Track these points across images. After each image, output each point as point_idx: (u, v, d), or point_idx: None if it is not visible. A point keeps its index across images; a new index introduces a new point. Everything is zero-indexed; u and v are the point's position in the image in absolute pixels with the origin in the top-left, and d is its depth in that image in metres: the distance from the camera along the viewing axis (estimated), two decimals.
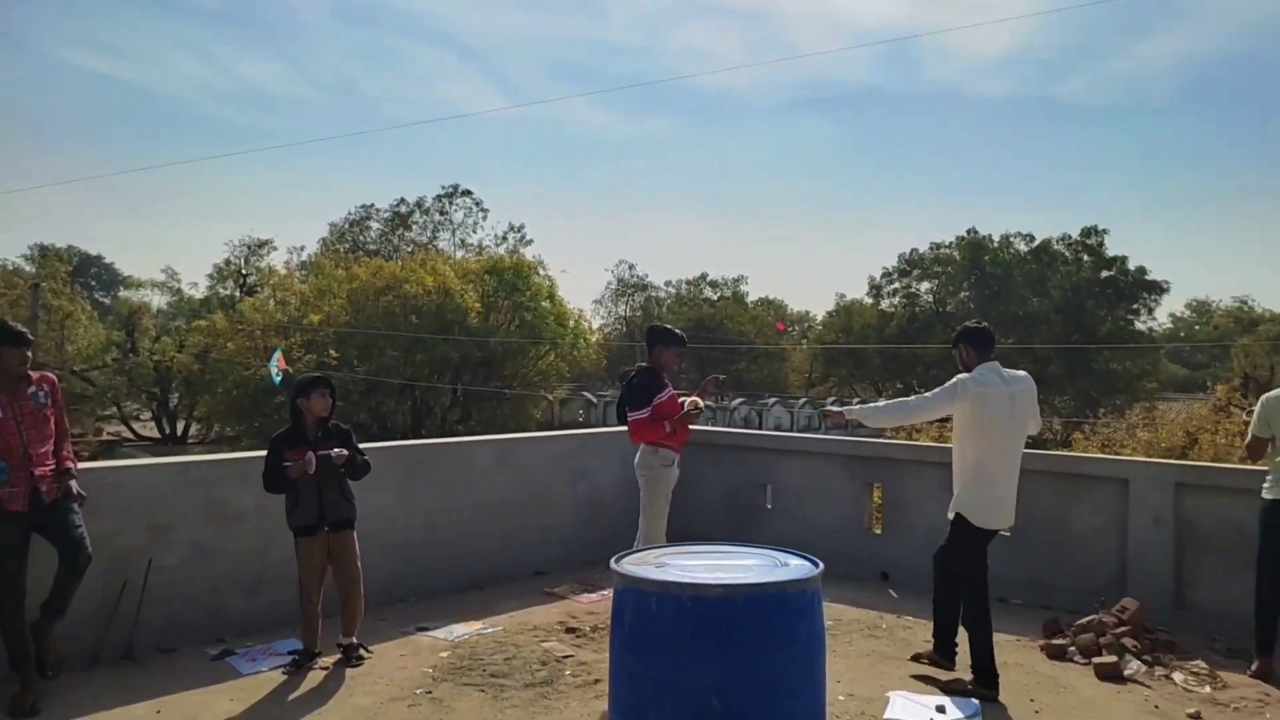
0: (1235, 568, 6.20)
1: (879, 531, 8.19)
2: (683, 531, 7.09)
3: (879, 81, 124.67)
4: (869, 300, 60.63)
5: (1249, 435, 5.82)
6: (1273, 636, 5.61)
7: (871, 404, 5.79)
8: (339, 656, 5.67)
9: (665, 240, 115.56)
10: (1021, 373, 5.42)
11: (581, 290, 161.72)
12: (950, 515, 5.40)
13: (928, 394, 5.45)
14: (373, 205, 61.14)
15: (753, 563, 3.73)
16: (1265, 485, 5.68)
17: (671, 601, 3.33)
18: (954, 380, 5.27)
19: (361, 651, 5.75)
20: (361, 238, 59.88)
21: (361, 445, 6.00)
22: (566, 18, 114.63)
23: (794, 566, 3.65)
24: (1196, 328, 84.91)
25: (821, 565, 3.63)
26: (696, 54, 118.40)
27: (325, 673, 5.49)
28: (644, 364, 6.60)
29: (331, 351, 35.07)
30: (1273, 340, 51.47)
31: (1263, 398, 5.82)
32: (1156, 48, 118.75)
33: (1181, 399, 40.83)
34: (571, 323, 43.21)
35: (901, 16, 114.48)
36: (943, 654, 5.62)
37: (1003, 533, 5.57)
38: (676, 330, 6.72)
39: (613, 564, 3.66)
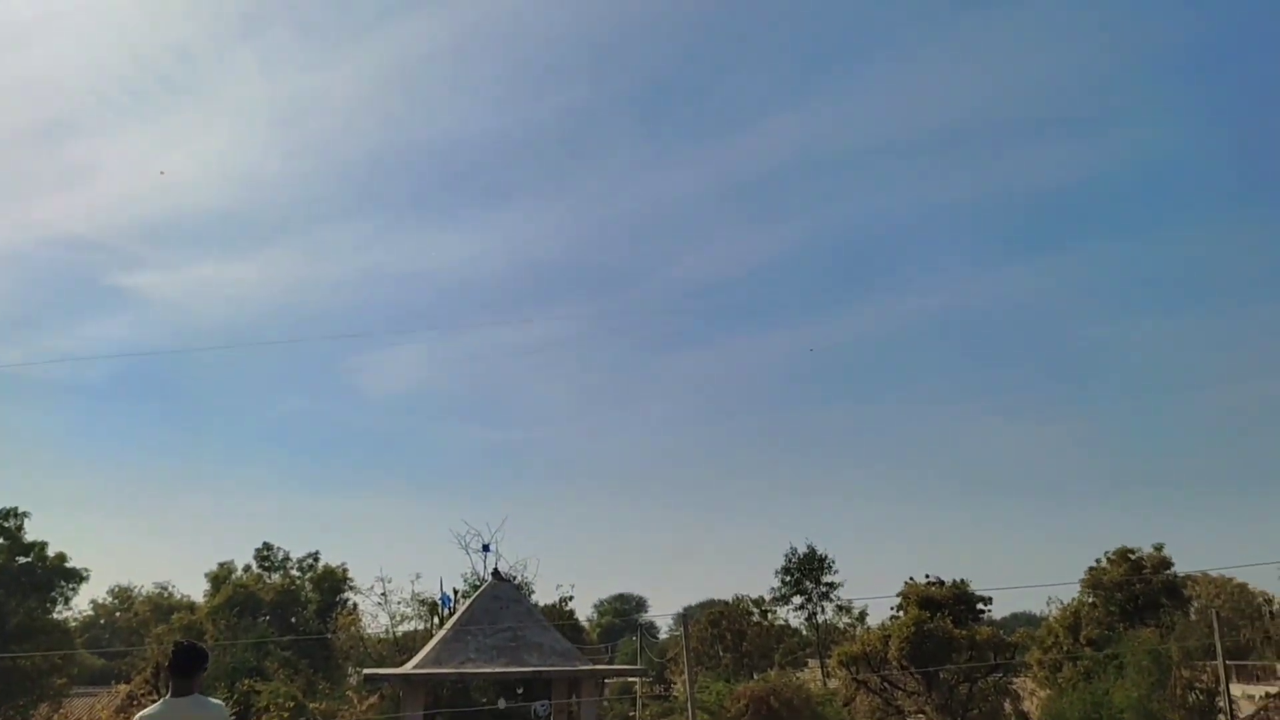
0: None
1: None
2: None
3: None
4: None
5: None
6: None
7: None
8: None
9: None
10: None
11: None
12: None
13: None
14: None
15: None
16: None
17: None
18: None
19: None
20: None
21: None
22: None
23: None
24: (118, 614, 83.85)
25: None
26: None
27: None
28: None
29: None
30: (185, 628, 53.48)
31: (138, 716, 5.80)
32: (98, 330, 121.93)
33: (96, 692, 39.32)
34: None
35: None
36: None
37: None
38: None
39: None
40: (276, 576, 57.00)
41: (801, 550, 59.86)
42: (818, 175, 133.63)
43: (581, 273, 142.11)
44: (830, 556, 59.56)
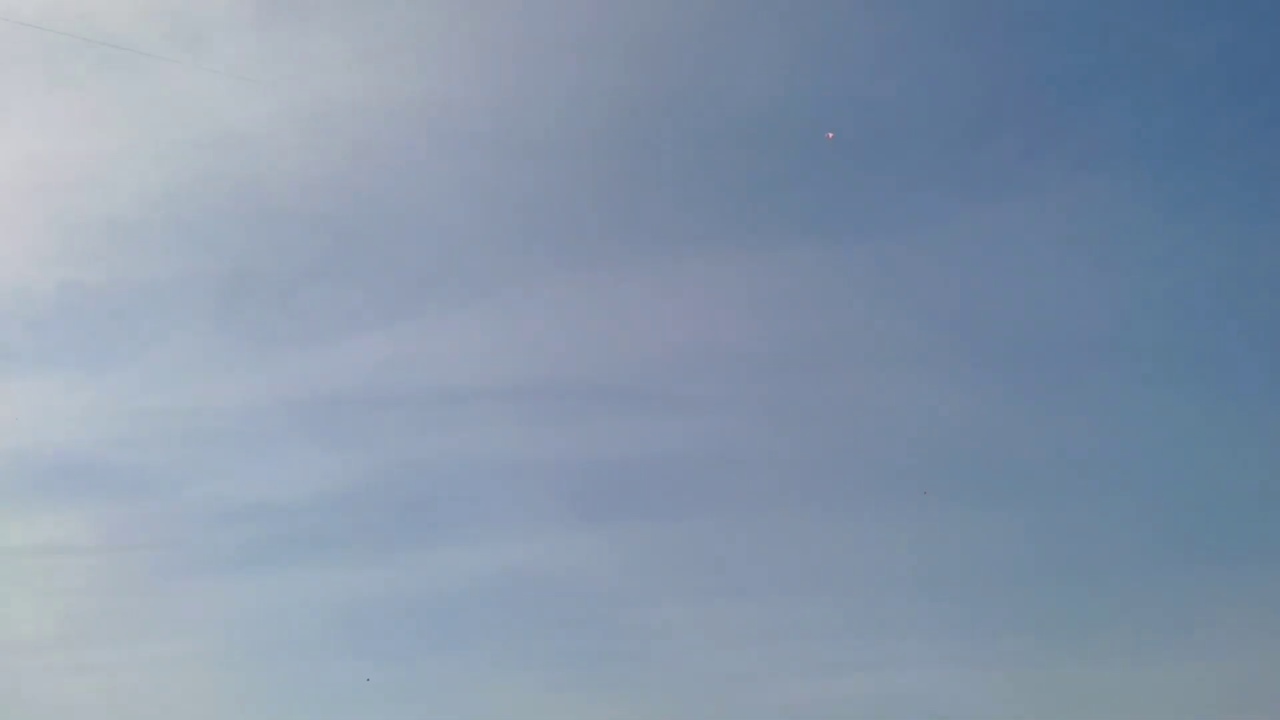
0: None
1: None
2: None
3: None
4: None
5: None
6: None
7: None
8: None
9: None
10: None
11: None
12: None
13: None
14: None
15: None
16: None
17: None
18: None
19: None
20: None
21: None
22: None
23: None
24: None
25: None
26: None
27: None
28: None
29: None
30: None
31: None
32: None
33: None
34: None
35: None
36: None
37: None
38: None
39: None
40: None
41: None
42: (395, 407, 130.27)
43: (100, 473, 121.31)
44: None
